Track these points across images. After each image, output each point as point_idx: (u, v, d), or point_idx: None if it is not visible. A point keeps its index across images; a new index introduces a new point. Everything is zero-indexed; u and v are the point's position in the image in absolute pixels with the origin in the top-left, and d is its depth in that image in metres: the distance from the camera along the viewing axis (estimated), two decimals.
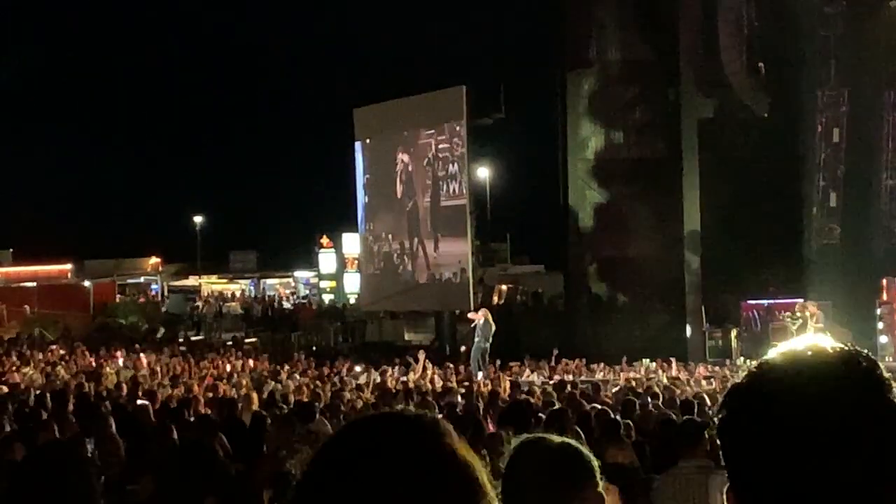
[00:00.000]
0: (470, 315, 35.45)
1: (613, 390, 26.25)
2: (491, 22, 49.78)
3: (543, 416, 14.08)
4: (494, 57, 49.81)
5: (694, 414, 15.18)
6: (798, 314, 34.62)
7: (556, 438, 4.38)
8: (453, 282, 45.55)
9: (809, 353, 2.02)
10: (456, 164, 45.50)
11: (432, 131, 46.55)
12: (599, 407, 16.95)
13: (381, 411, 2.14)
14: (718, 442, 2.06)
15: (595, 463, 4.18)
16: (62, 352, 37.11)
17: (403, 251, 48.02)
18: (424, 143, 46.93)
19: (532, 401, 19.71)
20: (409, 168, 47.76)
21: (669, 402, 20.10)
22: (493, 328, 35.10)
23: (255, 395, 23.26)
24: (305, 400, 21.58)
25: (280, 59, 71.20)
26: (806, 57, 41.42)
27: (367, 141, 49.66)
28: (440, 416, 2.19)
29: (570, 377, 32.70)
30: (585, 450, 4.24)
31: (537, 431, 5.22)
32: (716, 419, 2.11)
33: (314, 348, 44.66)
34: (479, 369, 33.63)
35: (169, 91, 76.18)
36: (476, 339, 35.23)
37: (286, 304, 62.50)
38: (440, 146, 46.18)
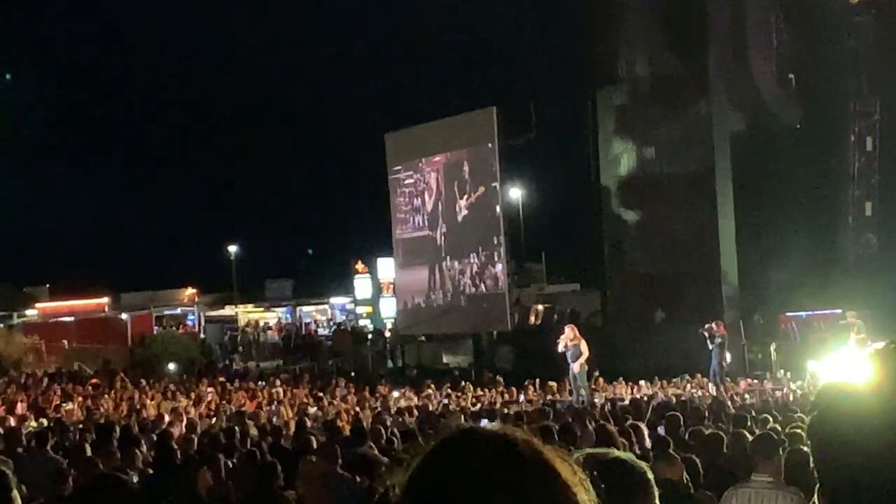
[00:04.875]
0: (563, 340, 33.57)
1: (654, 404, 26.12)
2: (519, 42, 49.74)
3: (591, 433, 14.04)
4: (524, 77, 49.75)
5: (742, 429, 15.12)
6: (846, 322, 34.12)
7: (615, 452, 4.34)
8: (492, 299, 45.63)
9: None
10: (488, 186, 45.54)
11: (464, 153, 46.63)
12: (639, 424, 16.91)
13: (471, 427, 2.12)
14: (808, 442, 2.03)
15: (652, 476, 4.13)
16: (102, 385, 37.21)
17: (435, 274, 48.17)
18: (456, 166, 47.00)
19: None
20: (442, 190, 47.85)
21: (717, 417, 20.03)
22: (584, 344, 33.03)
23: (293, 423, 23.30)
24: (347, 426, 21.59)
25: (312, 86, 71.31)
26: (836, 67, 41.29)
27: (400, 166, 49.80)
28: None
29: (611, 395, 32.69)
30: (643, 464, 4.20)
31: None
32: (807, 418, 2.07)
33: (353, 374, 44.64)
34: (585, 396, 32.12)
35: (201, 121, 76.45)
36: (571, 364, 33.17)
37: (322, 331, 62.60)
38: (472, 168, 46.24)
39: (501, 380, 37.65)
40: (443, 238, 47.86)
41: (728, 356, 36.40)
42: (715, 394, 30.84)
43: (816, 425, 2.03)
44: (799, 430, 12.49)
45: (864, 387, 1.96)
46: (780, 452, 10.20)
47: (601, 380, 35.50)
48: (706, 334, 35.79)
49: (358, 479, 12.71)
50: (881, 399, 1.91)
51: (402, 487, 2.00)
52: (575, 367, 32.02)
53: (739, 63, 41.08)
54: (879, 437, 1.88)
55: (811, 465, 2.06)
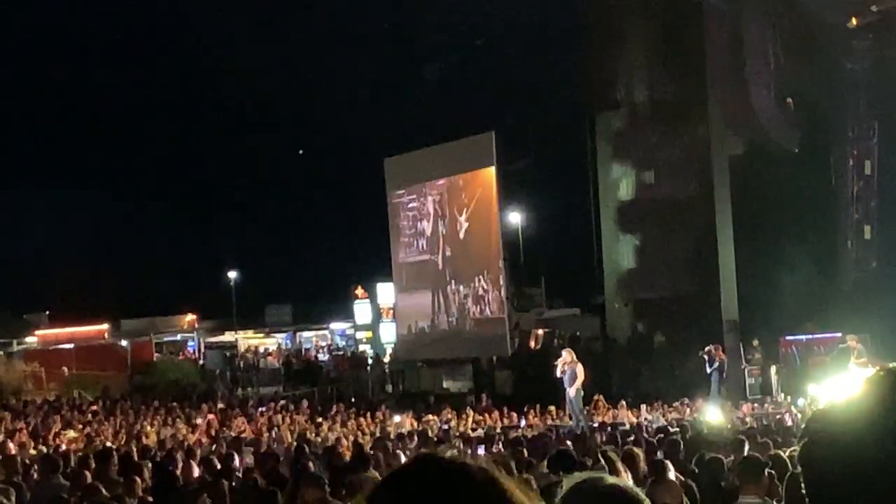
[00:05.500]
0: (560, 364, 33.29)
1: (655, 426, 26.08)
2: (518, 67, 49.79)
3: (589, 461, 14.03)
4: (523, 102, 49.77)
5: (743, 452, 15.10)
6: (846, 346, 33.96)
7: (609, 479, 4.33)
8: (492, 323, 45.58)
9: (892, 377, 1.98)
10: (486, 211, 45.53)
11: (463, 178, 46.63)
12: (637, 449, 16.87)
13: (427, 455, 2.12)
14: (799, 468, 2.03)
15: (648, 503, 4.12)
16: (101, 413, 37.14)
17: (439, 297, 48.15)
18: (456, 189, 47.02)
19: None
20: (438, 216, 47.86)
21: (715, 442, 19.99)
22: (580, 368, 32.71)
23: (293, 449, 23.25)
24: (347, 451, 21.55)
25: (310, 111, 71.37)
26: (835, 90, 41.35)
27: (398, 191, 49.83)
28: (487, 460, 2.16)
29: (610, 419, 32.64)
30: (639, 492, 4.19)
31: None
32: (797, 446, 2.08)
33: (353, 399, 44.58)
34: (582, 420, 31.79)
35: (200, 146, 76.37)
36: (567, 388, 32.77)
37: (322, 356, 62.47)
38: (470, 193, 46.25)
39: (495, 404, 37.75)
40: (445, 262, 47.83)
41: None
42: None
43: (806, 452, 2.04)
44: None
45: (855, 414, 1.96)
46: (766, 474, 10.26)
47: (600, 403, 35.44)
48: (706, 357, 35.75)
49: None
50: (872, 426, 1.92)
51: None
52: (571, 392, 31.94)
53: (738, 87, 41.12)
54: (871, 464, 1.89)
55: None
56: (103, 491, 13.57)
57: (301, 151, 71.22)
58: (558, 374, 32.58)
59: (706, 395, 35.28)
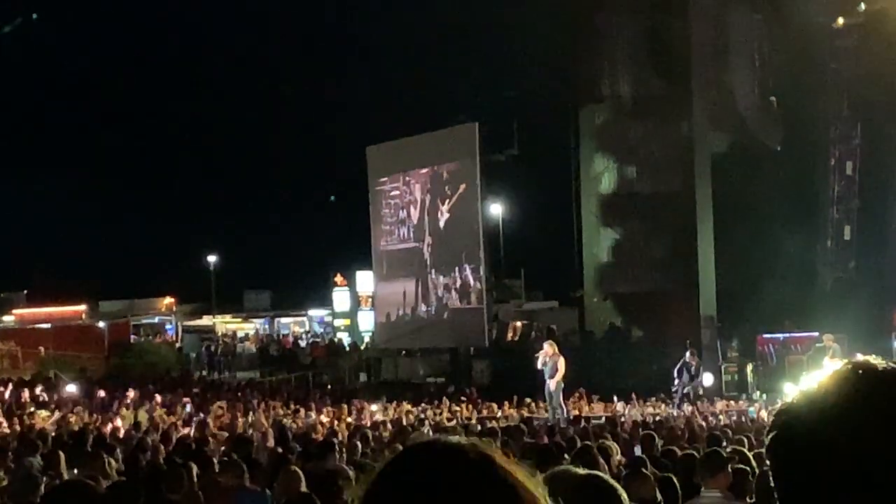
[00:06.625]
0: (542, 356, 32.93)
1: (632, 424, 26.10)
2: (503, 59, 49.79)
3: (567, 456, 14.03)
4: (507, 94, 49.73)
5: (718, 447, 15.13)
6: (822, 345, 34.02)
7: (583, 471, 4.35)
8: (470, 314, 45.51)
9: (859, 371, 1.98)
10: (469, 201, 45.47)
11: (445, 168, 46.55)
12: (611, 442, 16.89)
13: (436, 438, 2.09)
14: (767, 463, 2.03)
15: (624, 495, 4.14)
16: (78, 393, 37.04)
17: (419, 286, 48.10)
18: (437, 181, 46.94)
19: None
20: (422, 205, 47.79)
21: (690, 436, 20.04)
22: (562, 360, 32.31)
23: (269, 435, 23.23)
24: (321, 438, 21.53)
25: (294, 97, 71.31)
26: (819, 90, 41.37)
27: (381, 179, 49.73)
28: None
29: (586, 412, 32.65)
30: (613, 482, 4.21)
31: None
32: (766, 439, 2.07)
33: (329, 386, 44.52)
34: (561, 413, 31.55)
35: (181, 130, 76.19)
36: (548, 380, 32.61)
37: (301, 343, 62.41)
38: (453, 183, 46.17)
39: (475, 394, 37.70)
40: (429, 251, 47.75)
41: (710, 377, 36.37)
42: (687, 414, 30.80)
43: (774, 445, 2.03)
44: None
45: (823, 406, 1.96)
46: (728, 468, 10.34)
47: (577, 396, 35.40)
48: (679, 372, 35.59)
49: (268, 491, 12.63)
50: (839, 418, 1.92)
51: (360, 500, 1.98)
52: (551, 384, 31.78)
53: (722, 84, 41.15)
54: (838, 456, 1.89)
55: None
56: (107, 465, 13.61)
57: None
58: (539, 365, 32.32)
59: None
